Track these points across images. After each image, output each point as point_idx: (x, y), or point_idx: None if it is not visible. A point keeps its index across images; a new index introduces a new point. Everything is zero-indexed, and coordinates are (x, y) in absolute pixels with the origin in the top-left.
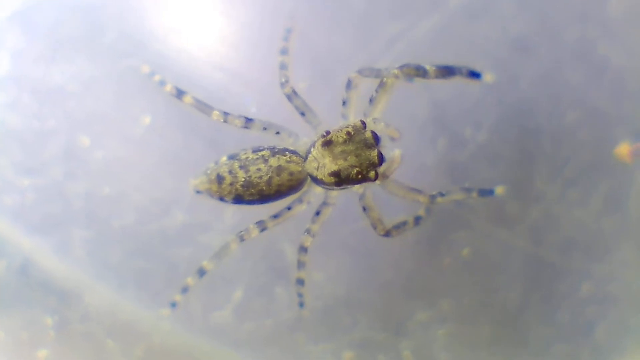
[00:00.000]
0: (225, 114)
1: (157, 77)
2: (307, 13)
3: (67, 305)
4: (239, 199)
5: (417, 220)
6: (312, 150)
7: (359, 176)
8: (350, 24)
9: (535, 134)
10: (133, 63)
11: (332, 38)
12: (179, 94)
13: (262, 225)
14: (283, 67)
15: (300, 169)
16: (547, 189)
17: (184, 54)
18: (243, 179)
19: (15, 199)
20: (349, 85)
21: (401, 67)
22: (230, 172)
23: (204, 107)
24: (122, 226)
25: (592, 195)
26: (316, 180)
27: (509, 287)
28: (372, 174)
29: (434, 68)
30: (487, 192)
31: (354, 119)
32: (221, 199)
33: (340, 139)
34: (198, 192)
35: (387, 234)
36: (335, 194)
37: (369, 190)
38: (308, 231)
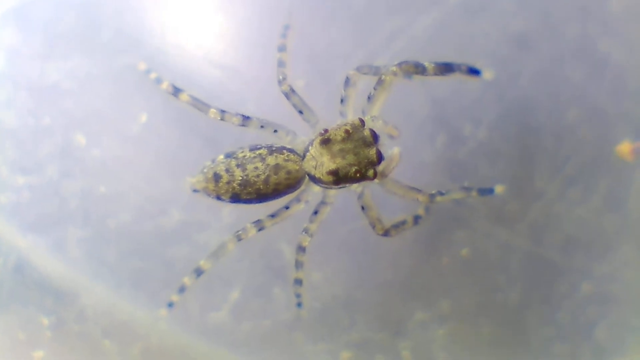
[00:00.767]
0: (222, 111)
1: (153, 75)
2: (305, 10)
3: (63, 305)
4: (236, 198)
5: (417, 219)
6: (310, 148)
7: (358, 175)
8: (348, 21)
9: (535, 132)
10: (130, 61)
11: (330, 35)
12: (176, 91)
13: (259, 225)
14: (281, 64)
15: (297, 167)
16: (547, 187)
17: (182, 52)
18: (240, 178)
19: (10, 198)
20: (347, 82)
21: (399, 64)
22: (227, 170)
23: (200, 105)
24: (119, 225)
25: (592, 194)
26: (314, 179)
27: (509, 286)
28: (370, 172)
29: (432, 65)
30: (486, 191)
31: (352, 117)
32: (218, 197)
33: (339, 137)
34: (195, 190)
35: (386, 233)
36: (334, 193)
37: (368, 189)
38: (306, 231)
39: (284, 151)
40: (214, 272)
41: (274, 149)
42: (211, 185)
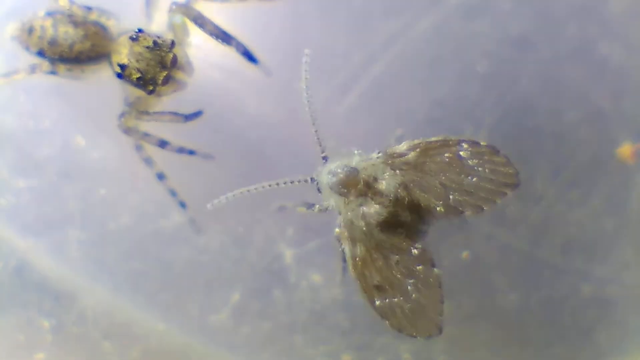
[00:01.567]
0: None
1: None
2: (302, 9)
3: (62, 307)
4: (41, 53)
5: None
6: (121, 36)
7: (137, 81)
8: (346, 21)
9: (535, 134)
10: None
11: (328, 35)
12: None
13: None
14: None
15: (104, 43)
16: (547, 190)
17: None
18: (50, 37)
19: (9, 200)
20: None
21: (182, 6)
22: (42, 27)
23: None
24: (119, 227)
25: (592, 196)
26: (110, 64)
27: (509, 289)
28: (150, 87)
29: (212, 25)
30: (192, 115)
31: (168, 35)
32: (27, 48)
33: (145, 42)
34: (12, 37)
35: (127, 131)
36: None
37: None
38: (122, 115)
39: (97, 26)
40: (213, 275)
41: (87, 20)
42: (24, 36)
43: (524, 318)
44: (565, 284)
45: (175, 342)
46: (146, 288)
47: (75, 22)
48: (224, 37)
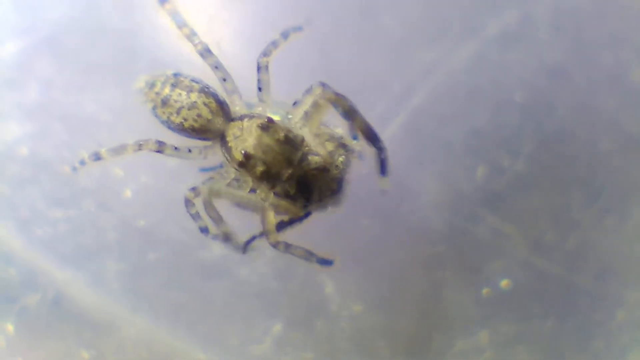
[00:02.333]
0: (193, 32)
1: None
2: (341, 41)
3: (102, 338)
4: (154, 111)
5: (309, 256)
6: (244, 119)
7: (261, 175)
8: (385, 52)
9: (571, 161)
10: None
11: (367, 66)
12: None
13: (160, 146)
14: (274, 45)
15: (211, 118)
16: (582, 217)
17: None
18: (164, 95)
19: (46, 231)
20: (308, 90)
21: (336, 95)
22: (162, 84)
23: (179, 20)
24: (158, 258)
25: (627, 222)
26: (225, 145)
27: (545, 315)
28: (271, 183)
29: (362, 121)
30: (325, 262)
31: (298, 127)
32: (145, 102)
33: (277, 135)
34: (137, 89)
35: (276, 245)
36: (232, 172)
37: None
38: (193, 189)
39: (211, 98)
40: (254, 306)
41: (206, 90)
42: (146, 89)
43: (560, 343)
44: (600, 309)
45: None
46: (186, 318)
47: (191, 88)
48: (372, 135)
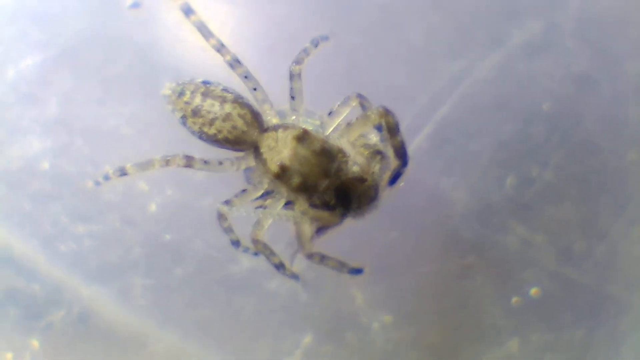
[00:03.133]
0: (221, 43)
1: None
2: (366, 52)
3: (129, 355)
4: (184, 121)
5: (342, 266)
6: (278, 130)
7: (297, 187)
8: (410, 63)
9: (599, 171)
10: None
11: (392, 78)
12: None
13: (189, 161)
14: (306, 52)
15: (246, 130)
16: (611, 227)
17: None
18: (195, 105)
19: (70, 247)
20: (345, 101)
21: (387, 111)
22: (192, 92)
23: (205, 31)
24: (185, 273)
25: None
26: (260, 157)
27: (575, 324)
28: (308, 195)
29: (400, 139)
30: (356, 272)
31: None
32: (173, 111)
33: (313, 147)
34: (163, 96)
35: (310, 256)
36: (266, 184)
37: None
38: (227, 202)
39: (246, 108)
40: (284, 319)
41: (239, 100)
42: (174, 97)
43: (590, 352)
44: (629, 318)
45: None
46: (215, 333)
47: (224, 98)
48: (403, 152)
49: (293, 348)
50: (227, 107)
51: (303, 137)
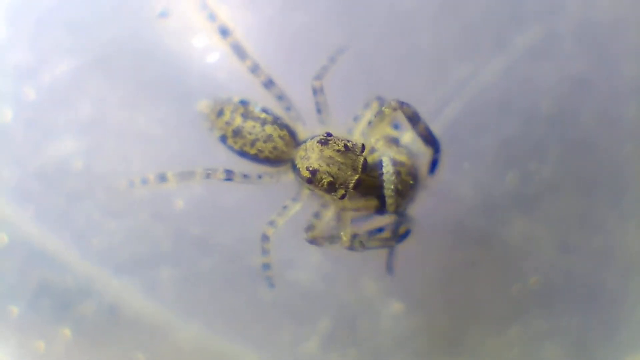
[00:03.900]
0: (256, 64)
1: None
2: (374, 55)
3: (157, 342)
4: (224, 140)
5: (389, 240)
6: (307, 141)
7: (329, 186)
8: (422, 67)
9: (595, 166)
10: None
11: (400, 80)
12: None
13: (229, 175)
14: (325, 70)
15: (286, 149)
16: (607, 218)
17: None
18: (236, 126)
19: (102, 240)
20: (367, 105)
21: (401, 104)
22: (232, 112)
23: (241, 52)
24: (210, 265)
25: None
26: (295, 168)
27: (572, 311)
28: (340, 192)
29: (424, 126)
30: (404, 236)
31: (359, 138)
32: (211, 129)
33: (336, 146)
34: (201, 114)
35: (352, 247)
36: (307, 192)
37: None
38: (272, 223)
39: (285, 130)
40: (303, 306)
41: (278, 122)
42: (212, 116)
43: (586, 337)
44: (624, 305)
45: None
46: (238, 321)
47: (264, 120)
48: (431, 138)
49: (311, 334)
50: (268, 129)
51: (326, 140)
